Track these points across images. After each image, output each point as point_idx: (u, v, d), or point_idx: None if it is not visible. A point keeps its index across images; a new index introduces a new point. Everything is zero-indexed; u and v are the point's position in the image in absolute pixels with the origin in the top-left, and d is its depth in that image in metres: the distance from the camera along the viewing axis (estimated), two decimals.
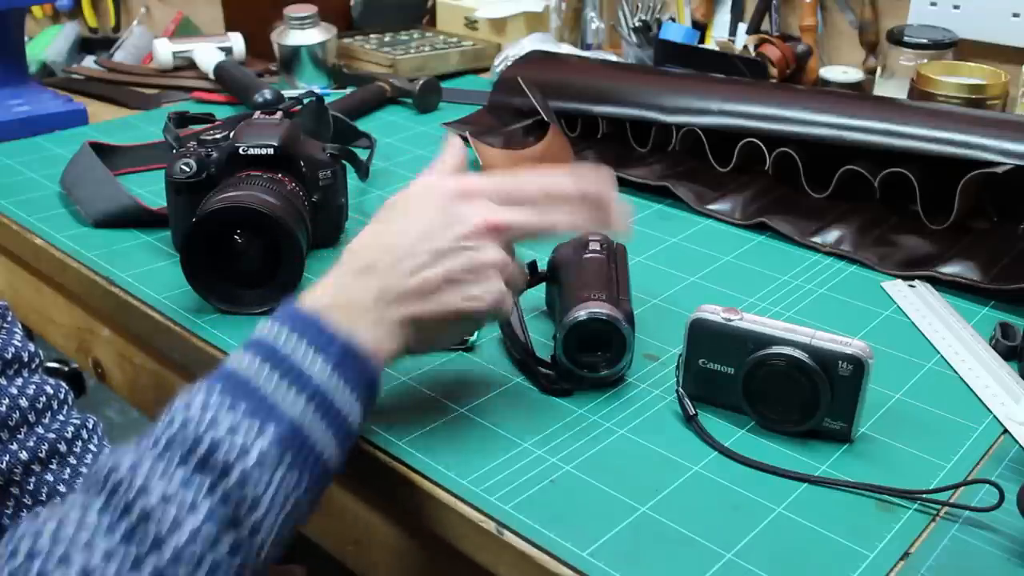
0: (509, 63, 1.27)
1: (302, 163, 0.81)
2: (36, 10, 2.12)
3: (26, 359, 0.70)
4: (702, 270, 0.84)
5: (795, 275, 0.83)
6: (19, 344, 0.70)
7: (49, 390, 0.69)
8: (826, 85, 1.25)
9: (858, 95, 1.08)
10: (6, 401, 0.66)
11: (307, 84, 1.32)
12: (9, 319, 0.71)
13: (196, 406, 0.49)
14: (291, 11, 1.33)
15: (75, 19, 2.07)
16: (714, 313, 0.62)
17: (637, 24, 1.41)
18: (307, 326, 0.53)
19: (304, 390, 0.51)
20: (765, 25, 1.35)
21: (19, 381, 0.68)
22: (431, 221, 0.57)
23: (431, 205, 0.58)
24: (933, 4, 1.19)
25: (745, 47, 1.27)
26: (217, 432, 0.48)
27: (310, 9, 1.33)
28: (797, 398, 0.60)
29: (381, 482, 0.61)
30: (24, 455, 0.65)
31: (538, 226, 0.60)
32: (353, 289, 0.56)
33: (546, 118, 1.04)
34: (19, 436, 0.66)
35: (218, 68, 1.31)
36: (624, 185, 1.01)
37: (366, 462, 0.61)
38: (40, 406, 0.68)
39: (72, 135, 1.14)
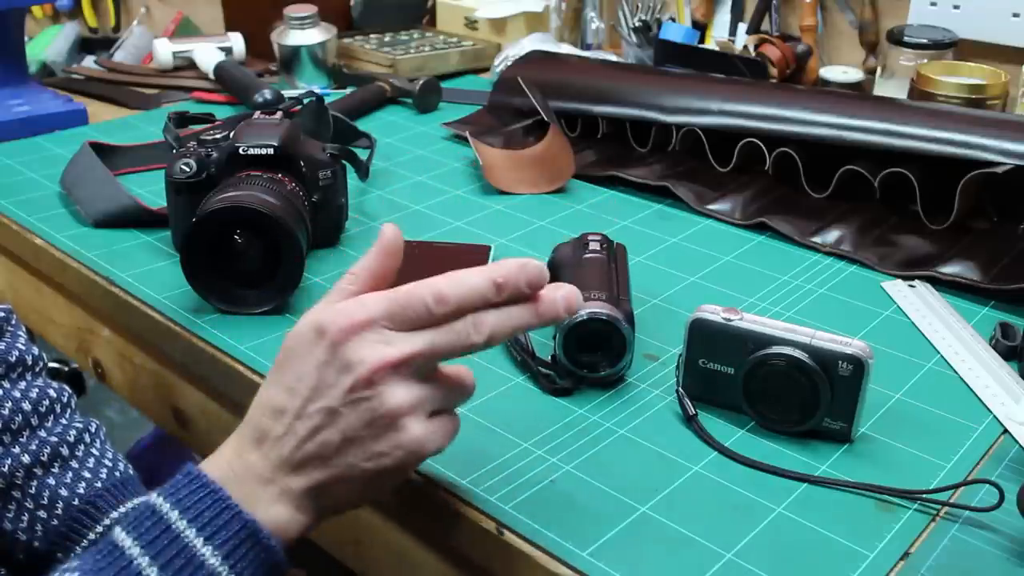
0: (509, 63, 1.27)
1: (302, 163, 0.81)
2: (36, 10, 2.12)
3: (29, 362, 0.70)
4: (702, 270, 0.84)
5: (795, 275, 0.83)
6: (23, 348, 0.70)
7: (52, 394, 0.69)
8: (826, 85, 1.25)
9: (858, 95, 1.08)
10: (9, 404, 0.66)
11: (307, 84, 1.32)
12: (13, 323, 0.71)
13: None
14: (291, 11, 1.33)
15: (75, 19, 2.07)
16: (714, 313, 0.62)
17: (637, 24, 1.41)
18: (203, 504, 0.48)
19: None
20: (765, 25, 1.35)
21: (22, 384, 0.68)
22: (318, 376, 0.49)
23: (316, 354, 0.49)
24: (933, 4, 1.19)
25: (745, 47, 1.27)
26: None
27: (310, 9, 1.34)
28: (797, 398, 0.60)
29: None
30: (26, 458, 0.65)
31: (449, 348, 0.50)
32: (252, 460, 0.50)
33: (546, 118, 1.04)
34: (21, 439, 0.66)
35: (218, 68, 1.31)
36: (624, 185, 1.01)
37: None
38: (43, 410, 0.68)
39: (72, 135, 1.14)
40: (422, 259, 0.81)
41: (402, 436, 0.49)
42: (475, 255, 0.83)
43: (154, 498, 0.48)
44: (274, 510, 0.49)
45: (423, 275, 0.51)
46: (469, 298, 0.50)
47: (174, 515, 0.47)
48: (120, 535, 0.47)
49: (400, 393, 0.49)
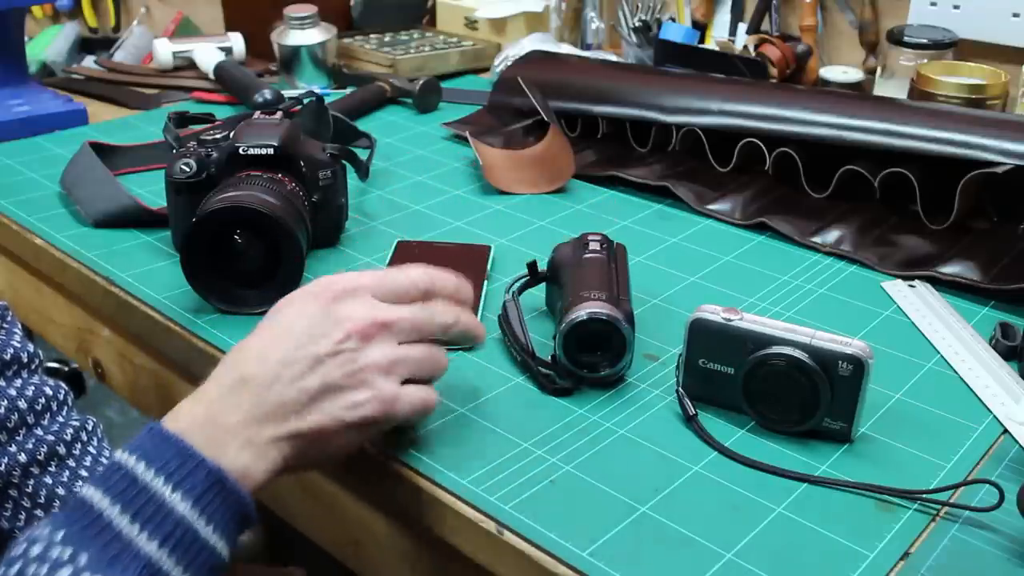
0: (509, 63, 1.27)
1: (302, 163, 0.81)
2: (36, 10, 2.12)
3: (25, 360, 0.70)
4: (702, 270, 0.84)
5: (795, 275, 0.83)
6: (18, 345, 0.70)
7: (48, 391, 0.69)
8: (826, 85, 1.25)
9: (858, 95, 1.08)
10: (5, 402, 0.66)
11: (307, 84, 1.32)
12: (8, 320, 0.71)
13: (35, 554, 0.45)
14: (291, 11, 1.33)
15: (75, 19, 2.07)
16: (714, 313, 0.62)
17: (637, 24, 1.41)
18: (167, 454, 0.48)
19: (157, 533, 0.46)
20: (765, 25, 1.35)
21: (18, 382, 0.68)
22: (310, 325, 0.54)
23: (312, 308, 0.54)
24: (933, 4, 1.19)
25: (745, 47, 1.27)
26: None
27: (310, 9, 1.34)
28: (797, 398, 0.60)
29: (381, 482, 0.61)
30: (23, 457, 0.65)
31: (424, 323, 0.57)
32: (223, 407, 0.51)
33: (546, 118, 1.04)
34: (17, 438, 0.66)
35: (218, 68, 1.31)
36: (624, 185, 1.01)
37: (366, 462, 0.61)
38: (39, 407, 0.68)
39: (72, 135, 1.14)
40: (422, 259, 0.81)
41: (377, 390, 0.53)
42: (475, 255, 0.83)
43: (119, 455, 0.49)
44: (241, 458, 0.50)
45: None
46: (439, 285, 0.58)
47: (140, 467, 0.48)
48: (88, 491, 0.48)
49: (381, 350, 0.54)
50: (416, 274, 0.58)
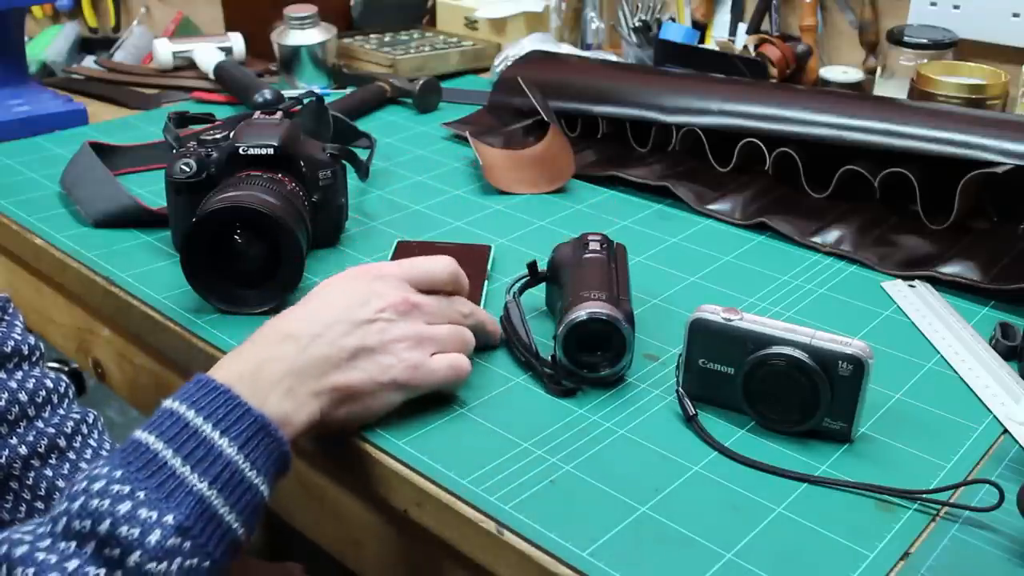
0: (509, 63, 1.27)
1: (302, 163, 0.81)
2: (36, 10, 2.13)
3: (26, 352, 0.70)
4: (702, 270, 0.84)
5: (795, 275, 0.83)
6: (19, 337, 0.69)
7: (49, 384, 0.69)
8: (826, 85, 1.25)
9: (858, 95, 1.08)
10: (5, 395, 0.65)
11: (307, 84, 1.32)
12: (10, 312, 0.71)
13: (96, 489, 0.49)
14: (291, 11, 1.33)
15: (75, 19, 2.07)
16: (714, 313, 0.62)
17: (637, 24, 1.41)
18: (215, 402, 0.53)
19: (207, 474, 0.51)
20: (765, 25, 1.35)
21: (19, 375, 0.68)
22: (353, 297, 0.61)
23: (356, 284, 0.63)
24: (933, 4, 1.19)
25: (745, 47, 1.27)
26: (115, 520, 0.48)
27: (310, 9, 1.33)
28: (797, 398, 0.60)
29: (381, 482, 0.61)
30: (23, 449, 0.65)
31: (447, 309, 0.65)
32: (268, 359, 0.57)
33: (546, 118, 1.04)
34: (18, 430, 0.66)
35: (218, 68, 1.31)
36: (624, 185, 1.01)
37: (366, 462, 0.61)
38: (40, 400, 0.68)
39: (72, 135, 1.14)
40: None
41: (405, 357, 0.60)
42: (475, 254, 0.83)
43: (169, 403, 0.53)
44: (283, 406, 0.55)
45: None
46: (462, 282, 0.67)
47: (191, 414, 0.52)
48: (141, 435, 0.51)
49: (412, 326, 0.61)
50: (443, 267, 0.66)
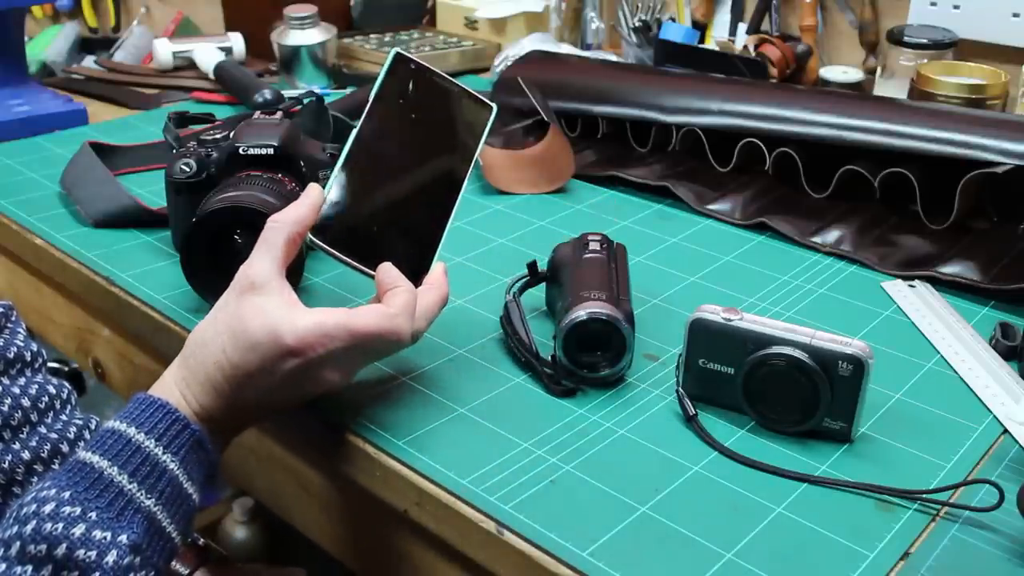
0: (509, 63, 1.27)
1: (302, 163, 0.81)
2: (36, 10, 2.12)
3: (29, 359, 0.70)
4: (702, 270, 0.84)
5: (795, 275, 0.83)
6: (22, 344, 0.70)
7: (52, 390, 0.69)
8: (826, 85, 1.25)
9: (858, 95, 1.08)
10: (8, 401, 0.66)
11: (307, 84, 1.32)
12: (13, 319, 0.71)
13: (47, 512, 0.49)
14: (291, 11, 1.33)
15: (75, 19, 2.07)
16: (714, 313, 0.62)
17: (637, 24, 1.41)
18: (152, 419, 0.54)
19: (153, 491, 0.52)
20: (765, 25, 1.35)
21: (22, 381, 0.68)
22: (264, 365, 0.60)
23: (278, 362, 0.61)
24: (933, 4, 1.19)
25: (745, 47, 1.27)
26: (71, 544, 0.48)
27: (310, 9, 1.34)
28: (797, 398, 0.60)
29: (381, 482, 0.61)
30: (26, 455, 0.65)
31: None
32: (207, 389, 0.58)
33: (546, 118, 1.04)
34: (21, 436, 0.66)
35: (218, 68, 1.31)
36: (624, 185, 1.01)
37: (366, 462, 0.61)
38: (43, 406, 0.68)
39: (72, 135, 1.14)
40: (420, 90, 0.69)
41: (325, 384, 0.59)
42: (476, 114, 0.71)
43: (112, 423, 0.54)
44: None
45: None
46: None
47: (132, 431, 0.53)
48: (86, 455, 0.52)
49: (334, 375, 0.59)
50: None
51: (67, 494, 0.50)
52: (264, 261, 0.59)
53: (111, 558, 0.48)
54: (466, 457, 0.59)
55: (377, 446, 0.61)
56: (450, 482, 0.57)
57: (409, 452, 0.60)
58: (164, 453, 0.53)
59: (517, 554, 0.53)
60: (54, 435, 0.67)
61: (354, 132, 0.65)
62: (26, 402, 0.67)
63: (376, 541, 0.68)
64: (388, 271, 0.62)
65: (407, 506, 0.60)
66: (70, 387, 0.72)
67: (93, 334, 0.94)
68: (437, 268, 0.64)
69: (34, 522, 0.49)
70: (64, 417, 0.69)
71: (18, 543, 0.49)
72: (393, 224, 0.66)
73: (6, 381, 0.67)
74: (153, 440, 0.53)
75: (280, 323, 0.56)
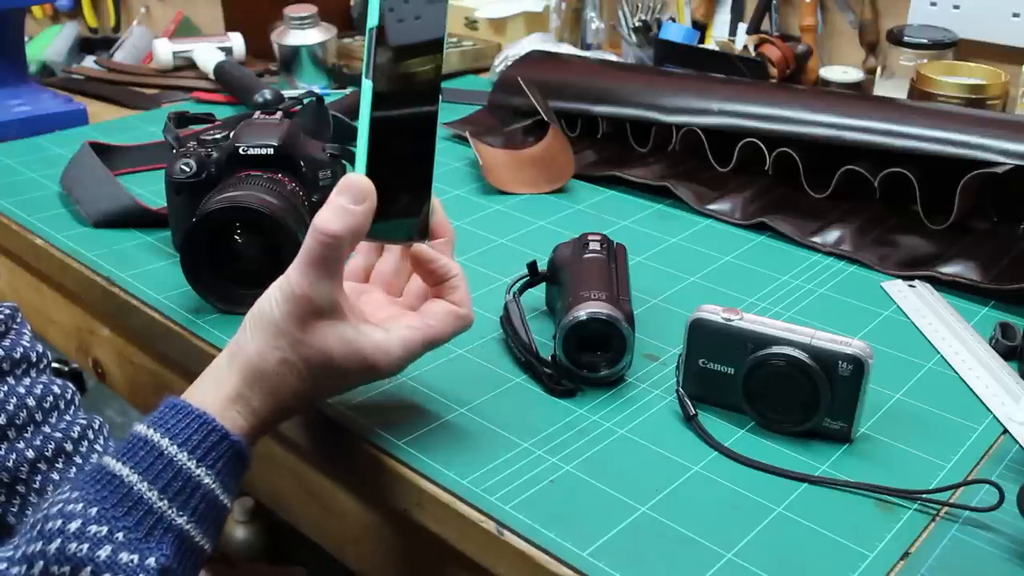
0: (509, 63, 1.27)
1: (302, 163, 0.81)
2: (36, 10, 2.12)
3: (34, 359, 0.70)
4: (702, 270, 0.84)
5: (795, 275, 0.83)
6: (27, 344, 0.70)
7: (56, 390, 0.70)
8: (826, 85, 1.25)
9: (858, 95, 1.08)
10: (14, 400, 0.66)
11: (307, 84, 1.32)
12: (18, 320, 0.72)
13: (72, 531, 0.47)
14: (291, 11, 1.33)
15: (75, 19, 2.07)
16: (714, 313, 0.62)
17: (637, 24, 1.41)
18: (187, 430, 0.51)
19: (186, 508, 0.50)
20: (765, 25, 1.35)
21: (27, 381, 0.69)
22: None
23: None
24: (933, 4, 1.19)
25: (745, 47, 1.27)
26: (97, 567, 0.47)
27: (310, 9, 1.34)
28: (797, 398, 0.60)
29: (381, 482, 0.61)
30: (31, 454, 0.65)
31: None
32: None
33: (546, 118, 1.04)
34: (26, 435, 0.66)
35: (218, 68, 1.31)
36: (624, 185, 1.01)
37: (366, 462, 0.61)
38: (47, 406, 0.68)
39: (72, 135, 1.14)
40: None
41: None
42: None
43: (143, 429, 0.51)
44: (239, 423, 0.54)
45: None
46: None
47: (165, 441, 0.50)
48: (115, 465, 0.50)
49: None
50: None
51: (94, 511, 0.48)
52: (323, 283, 0.54)
53: None
54: (466, 457, 0.59)
55: (377, 446, 0.61)
56: (450, 482, 0.57)
57: (409, 452, 0.60)
58: (199, 467, 0.50)
59: (517, 554, 0.53)
60: (58, 434, 0.67)
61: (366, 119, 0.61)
62: (31, 402, 0.67)
63: (376, 541, 0.68)
64: (425, 250, 0.59)
65: (407, 506, 0.60)
66: (74, 388, 0.72)
67: (93, 334, 0.94)
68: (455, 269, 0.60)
69: (59, 540, 0.47)
70: (68, 417, 0.70)
71: (41, 562, 0.47)
72: (389, 179, 0.63)
73: (11, 381, 0.68)
74: (186, 452, 0.50)
75: (372, 353, 0.55)
